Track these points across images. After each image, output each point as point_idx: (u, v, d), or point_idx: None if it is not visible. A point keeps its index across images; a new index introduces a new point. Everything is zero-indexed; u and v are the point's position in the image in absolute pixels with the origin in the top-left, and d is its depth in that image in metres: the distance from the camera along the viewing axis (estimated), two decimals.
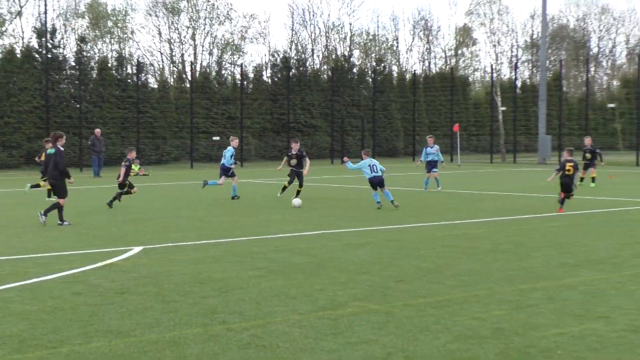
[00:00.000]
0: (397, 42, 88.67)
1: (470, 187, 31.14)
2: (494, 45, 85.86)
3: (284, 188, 25.79)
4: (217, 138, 54.81)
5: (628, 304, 9.60)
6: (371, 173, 22.14)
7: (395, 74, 74.94)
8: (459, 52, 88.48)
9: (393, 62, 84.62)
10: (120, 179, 23.42)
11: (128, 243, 15.29)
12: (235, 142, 26.52)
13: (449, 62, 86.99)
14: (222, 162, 25.96)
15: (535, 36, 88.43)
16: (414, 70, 75.76)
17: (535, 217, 19.76)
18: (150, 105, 54.29)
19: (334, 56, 77.12)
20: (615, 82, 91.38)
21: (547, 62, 72.07)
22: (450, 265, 12.50)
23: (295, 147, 26.06)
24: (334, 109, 62.82)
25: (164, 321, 8.87)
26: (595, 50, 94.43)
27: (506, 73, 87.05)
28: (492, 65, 68.26)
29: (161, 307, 9.57)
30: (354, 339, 8.12)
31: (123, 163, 23.86)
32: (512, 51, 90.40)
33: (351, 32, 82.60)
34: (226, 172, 25.73)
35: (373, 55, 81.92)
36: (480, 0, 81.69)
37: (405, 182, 33.94)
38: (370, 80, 67.93)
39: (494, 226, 17.96)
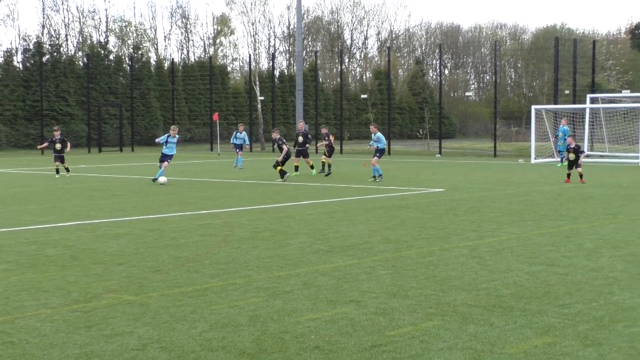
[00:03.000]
0: (155, 30, 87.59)
1: (231, 175, 31.36)
2: (253, 36, 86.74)
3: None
4: None
5: (377, 288, 10.01)
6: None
7: (153, 62, 74.02)
8: (218, 41, 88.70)
9: (151, 50, 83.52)
10: None
11: None
12: None
13: (207, 51, 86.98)
14: None
15: (291, 27, 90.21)
16: (172, 59, 75.15)
17: (294, 205, 20.18)
18: None
19: (89, 42, 75.00)
20: (367, 74, 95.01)
21: (304, 53, 73.74)
22: (209, 254, 12.52)
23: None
24: (91, 96, 61.15)
25: None
26: (348, 42, 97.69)
27: (264, 63, 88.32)
28: (250, 55, 68.98)
29: None
30: (108, 331, 7.94)
31: None
32: (269, 41, 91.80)
33: (107, 18, 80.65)
34: None
35: (130, 42, 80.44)
36: None
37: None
38: (128, 68, 66.68)
39: (254, 214, 18.17)
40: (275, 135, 30.94)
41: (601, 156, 43.90)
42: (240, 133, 37.83)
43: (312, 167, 31.27)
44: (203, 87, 71.03)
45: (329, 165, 31.46)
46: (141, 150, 60.26)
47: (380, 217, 17.42)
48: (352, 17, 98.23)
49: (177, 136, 28.37)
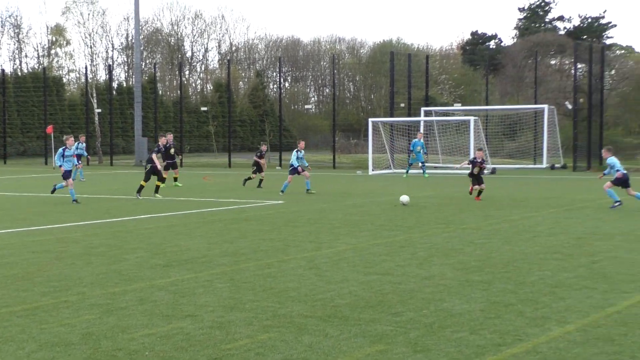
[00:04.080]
0: None
1: (64, 190, 30.51)
2: (90, 47, 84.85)
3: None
4: None
5: (214, 301, 9.98)
6: None
7: None
8: (53, 52, 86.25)
9: None
10: None
11: None
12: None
13: (41, 62, 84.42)
14: None
15: (130, 38, 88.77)
16: (3, 70, 72.54)
17: (131, 219, 19.85)
18: None
19: None
20: (208, 86, 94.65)
21: (142, 64, 72.78)
22: (40, 271, 12.14)
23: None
24: None
25: None
26: (189, 54, 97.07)
27: (102, 75, 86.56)
28: (87, 66, 67.48)
29: None
30: None
31: None
32: (107, 53, 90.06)
33: None
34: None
35: None
36: None
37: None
38: None
39: (89, 229, 17.75)
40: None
41: (435, 167, 45.31)
42: (82, 143, 37.21)
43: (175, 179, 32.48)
44: (37, 99, 68.89)
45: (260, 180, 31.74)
46: None
47: (219, 230, 17.37)
48: (193, 29, 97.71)
49: (74, 147, 25.63)
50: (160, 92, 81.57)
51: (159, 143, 28.64)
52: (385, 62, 65.69)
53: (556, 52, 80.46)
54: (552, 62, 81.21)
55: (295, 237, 16.12)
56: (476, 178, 24.71)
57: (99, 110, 63.44)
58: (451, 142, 48.41)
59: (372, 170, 42.63)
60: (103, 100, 66.27)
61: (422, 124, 47.26)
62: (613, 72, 68.66)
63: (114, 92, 73.00)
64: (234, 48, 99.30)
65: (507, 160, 51.84)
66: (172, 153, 32.33)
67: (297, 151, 29.10)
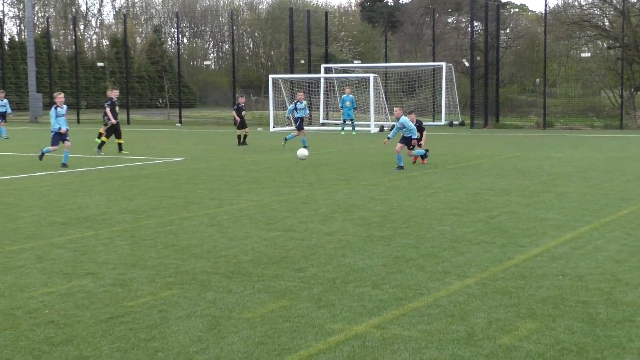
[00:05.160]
0: None
1: None
2: None
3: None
4: None
5: (115, 259, 9.84)
6: None
7: None
8: None
9: None
10: None
11: None
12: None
13: None
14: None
15: None
16: None
17: (27, 177, 19.37)
18: None
19: None
20: (104, 42, 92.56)
21: (35, 19, 70.67)
22: None
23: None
24: None
25: None
26: (83, 9, 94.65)
27: None
28: None
29: None
30: None
31: None
32: None
33: None
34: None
35: None
36: None
37: None
38: None
39: None
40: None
41: (336, 124, 45.49)
42: (2, 100, 35.91)
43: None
44: None
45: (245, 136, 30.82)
46: None
47: (118, 188, 17.11)
48: None
49: (65, 106, 22.40)
50: (54, 47, 79.34)
51: (112, 96, 26.63)
52: (285, 19, 65.41)
53: (453, 9, 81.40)
54: (450, 19, 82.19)
55: (197, 194, 16.01)
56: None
57: None
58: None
59: (273, 127, 42.54)
60: None
61: (322, 80, 47.31)
62: (508, 30, 69.91)
63: (6, 47, 70.69)
64: (130, 2, 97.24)
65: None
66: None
67: (296, 102, 29.83)
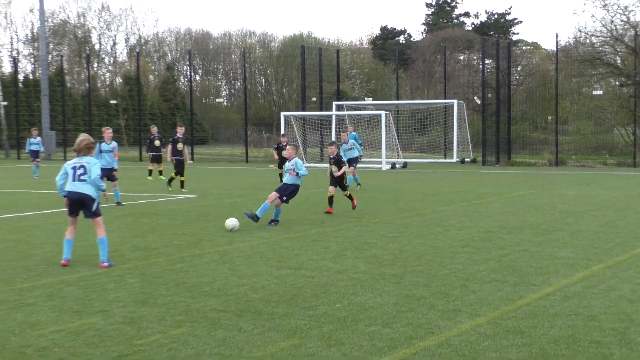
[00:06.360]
0: None
1: (23, 185, 29.75)
2: None
3: None
4: None
5: (125, 296, 9.82)
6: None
7: None
8: None
9: None
10: None
11: None
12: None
13: None
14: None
15: (35, 30, 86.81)
16: None
17: (37, 214, 19.41)
18: None
19: None
20: (118, 79, 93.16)
21: (49, 57, 71.30)
22: None
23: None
24: None
25: None
26: (97, 46, 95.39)
27: (7, 67, 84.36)
28: None
29: None
30: None
31: None
32: (12, 44, 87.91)
33: None
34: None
35: None
36: None
37: None
38: None
39: None
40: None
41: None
42: (35, 138, 34.90)
43: (160, 172, 32.69)
44: None
45: None
46: None
47: (129, 225, 17.12)
48: (99, 20, 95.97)
49: (113, 142, 21.40)
50: (68, 84, 79.94)
51: (177, 133, 26.26)
52: (296, 56, 65.79)
53: (464, 47, 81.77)
54: (461, 57, 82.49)
55: (208, 231, 16.00)
56: (335, 180, 19.47)
57: (5, 103, 61.84)
58: (363, 136, 48.69)
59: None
60: (9, 93, 64.61)
61: (334, 117, 47.44)
62: (519, 68, 70.10)
63: (20, 85, 71.28)
64: (143, 40, 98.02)
65: (418, 154, 52.45)
66: (157, 145, 32.51)
67: (343, 143, 27.76)
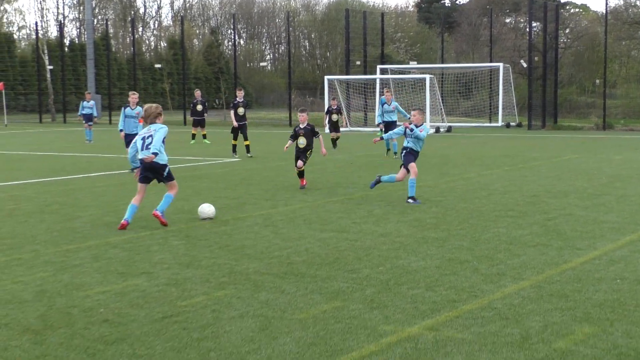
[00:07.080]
0: None
1: (17, 147, 30.10)
2: (40, 2, 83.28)
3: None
4: None
5: (170, 258, 9.90)
6: None
7: None
8: (2, 8, 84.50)
9: None
10: None
11: None
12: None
13: None
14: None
15: None
16: None
17: (83, 177, 19.62)
18: None
19: None
20: (162, 43, 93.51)
21: (94, 21, 71.68)
22: None
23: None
24: None
25: None
26: (142, 10, 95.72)
27: (53, 31, 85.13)
28: (37, 22, 66.31)
29: None
30: None
31: None
32: (58, 9, 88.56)
33: None
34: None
35: None
36: None
37: None
38: None
39: (40, 187, 17.51)
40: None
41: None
42: (88, 102, 34.59)
43: (204, 136, 32.91)
44: None
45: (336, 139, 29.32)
46: None
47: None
48: None
49: (137, 107, 20.74)
50: (113, 49, 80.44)
51: (237, 98, 25.85)
52: (341, 20, 65.38)
53: (511, 10, 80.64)
54: (507, 20, 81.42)
55: (251, 194, 16.06)
56: (302, 152, 17.77)
57: (51, 67, 62.40)
58: (407, 100, 48.40)
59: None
60: (55, 58, 65.15)
61: (378, 81, 47.19)
62: (567, 30, 69.05)
63: (66, 49, 71.86)
64: (187, 5, 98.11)
65: (463, 118, 52.05)
66: (200, 110, 32.60)
67: (382, 104, 26.06)
